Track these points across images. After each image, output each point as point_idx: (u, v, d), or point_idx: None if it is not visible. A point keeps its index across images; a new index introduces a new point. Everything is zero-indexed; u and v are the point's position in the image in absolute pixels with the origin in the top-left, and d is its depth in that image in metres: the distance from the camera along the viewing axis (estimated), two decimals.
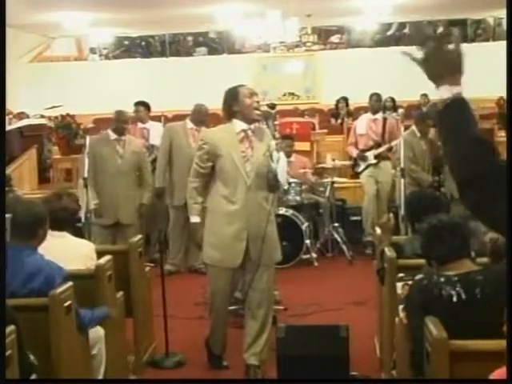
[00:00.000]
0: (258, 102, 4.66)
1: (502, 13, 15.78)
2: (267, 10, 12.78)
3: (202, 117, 7.58)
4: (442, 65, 1.83)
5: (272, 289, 4.88)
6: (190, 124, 7.55)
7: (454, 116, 1.82)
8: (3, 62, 3.89)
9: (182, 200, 6.96)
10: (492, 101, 13.02)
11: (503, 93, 11.36)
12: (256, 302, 4.67)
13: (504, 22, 16.92)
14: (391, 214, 6.77)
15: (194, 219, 4.69)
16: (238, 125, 4.62)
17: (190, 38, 18.00)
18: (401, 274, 3.92)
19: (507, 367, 1.60)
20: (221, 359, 4.92)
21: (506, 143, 1.53)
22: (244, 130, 4.62)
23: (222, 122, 4.85)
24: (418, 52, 1.88)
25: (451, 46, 1.85)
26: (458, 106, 1.82)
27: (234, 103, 4.62)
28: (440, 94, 1.84)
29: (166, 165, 7.48)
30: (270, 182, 4.57)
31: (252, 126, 4.63)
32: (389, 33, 17.80)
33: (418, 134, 7.92)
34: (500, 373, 2.26)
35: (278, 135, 4.69)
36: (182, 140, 7.41)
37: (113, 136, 6.90)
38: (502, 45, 11.25)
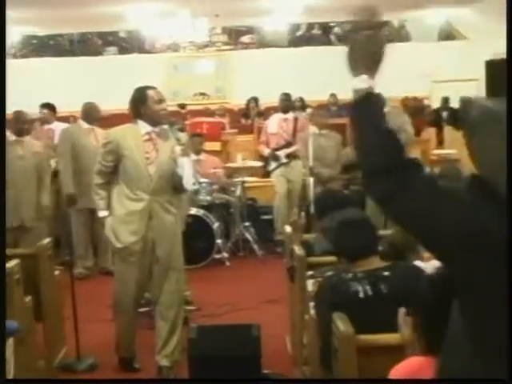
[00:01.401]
0: (165, 109, 4.65)
1: (406, 15, 16.18)
2: (177, 10, 12.71)
3: (93, 115, 7.50)
4: (368, 54, 1.87)
5: (181, 290, 4.88)
6: (84, 124, 7.47)
7: (369, 107, 1.85)
8: (3, 61, 3.84)
9: (85, 203, 6.87)
10: (397, 100, 13.33)
11: (408, 92, 11.70)
12: (166, 303, 4.67)
13: (407, 25, 17.37)
14: (302, 213, 6.88)
15: (102, 213, 4.66)
16: (143, 126, 4.60)
17: (99, 38, 17.72)
18: (310, 272, 3.97)
19: (507, 367, 1.62)
20: (132, 362, 4.88)
21: (506, 143, 1.57)
22: (148, 133, 4.60)
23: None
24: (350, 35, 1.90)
25: (381, 39, 1.89)
26: (373, 98, 1.85)
27: (141, 106, 4.60)
28: (356, 83, 1.87)
29: (70, 168, 7.32)
30: (175, 186, 4.58)
31: (157, 129, 4.61)
32: (298, 33, 17.98)
33: (317, 131, 8.03)
34: (400, 367, 2.32)
35: (183, 140, 4.66)
36: (83, 141, 7.30)
37: (12, 137, 6.71)
38: (406, 46, 11.58)
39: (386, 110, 7.80)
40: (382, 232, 3.88)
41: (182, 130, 5.33)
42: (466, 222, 1.64)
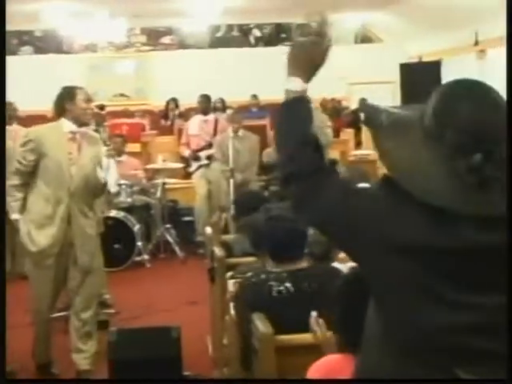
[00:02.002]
0: (92, 108, 4.64)
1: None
2: (94, 10, 12.54)
3: (9, 114, 7.33)
4: (308, 58, 1.87)
5: (98, 293, 4.82)
6: None
7: (293, 112, 1.86)
8: (3, 61, 3.71)
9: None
10: (316, 101, 13.50)
11: (326, 94, 11.86)
12: (82, 306, 4.60)
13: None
14: (224, 214, 6.89)
15: (14, 216, 4.54)
16: (68, 125, 4.51)
17: (14, 37, 17.31)
18: (230, 272, 3.98)
19: (506, 367, 1.63)
20: (49, 367, 4.79)
21: (506, 143, 1.60)
22: (73, 132, 4.51)
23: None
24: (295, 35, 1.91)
25: (324, 46, 1.90)
26: (303, 101, 1.86)
27: (68, 102, 4.51)
28: (289, 84, 1.87)
29: None
30: (96, 188, 4.52)
31: (82, 129, 4.54)
32: (218, 35, 17.99)
33: (232, 134, 8.07)
34: (318, 365, 2.35)
35: (109, 142, 4.62)
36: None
37: None
38: None
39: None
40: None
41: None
42: (378, 224, 1.66)
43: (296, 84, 1.86)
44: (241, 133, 8.22)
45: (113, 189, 4.59)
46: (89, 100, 4.60)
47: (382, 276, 1.68)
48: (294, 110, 1.86)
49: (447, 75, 12.69)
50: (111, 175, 4.51)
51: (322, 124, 8.47)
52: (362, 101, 1.86)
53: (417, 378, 1.65)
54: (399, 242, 1.63)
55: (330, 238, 1.90)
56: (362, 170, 4.92)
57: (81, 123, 4.53)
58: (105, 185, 4.53)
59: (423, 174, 1.61)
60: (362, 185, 1.84)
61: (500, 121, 1.61)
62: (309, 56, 1.88)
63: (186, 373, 4.38)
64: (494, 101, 1.63)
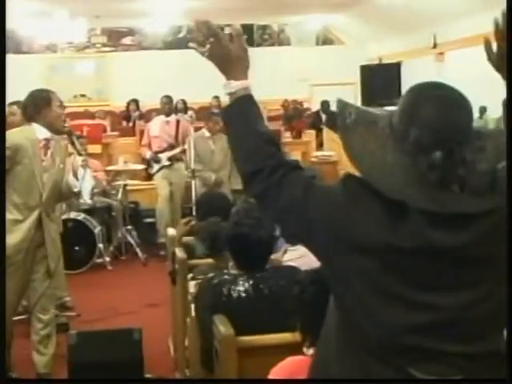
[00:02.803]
0: (64, 114, 4.51)
1: (286, 20, 16.45)
2: (53, 10, 12.42)
3: None
4: (224, 59, 1.90)
5: (57, 295, 4.77)
6: None
7: (240, 111, 1.87)
8: (3, 61, 3.63)
9: None
10: (278, 103, 13.54)
11: (288, 95, 11.92)
12: (41, 308, 4.56)
13: (287, 28, 17.63)
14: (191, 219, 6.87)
15: None
16: (40, 131, 4.39)
17: None
18: (190, 274, 3.97)
19: (506, 367, 1.64)
20: (6, 372, 4.73)
21: (506, 143, 1.61)
22: (47, 139, 4.40)
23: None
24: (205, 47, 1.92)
25: (231, 42, 1.91)
26: (245, 100, 1.87)
27: (44, 107, 4.38)
28: (227, 88, 1.89)
29: None
30: (66, 195, 4.46)
31: (56, 137, 4.45)
32: (180, 35, 17.94)
33: (207, 134, 8.07)
34: (281, 367, 2.36)
35: (84, 152, 4.55)
36: None
37: None
38: (286, 50, 11.77)
39: None
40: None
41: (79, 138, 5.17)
42: (336, 222, 1.68)
43: (233, 85, 1.89)
44: (216, 133, 8.24)
45: (87, 198, 4.52)
46: (63, 106, 4.50)
47: (341, 274, 1.70)
48: (240, 110, 1.88)
49: (407, 77, 12.83)
50: (86, 185, 4.44)
51: None
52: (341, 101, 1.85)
53: (384, 379, 1.67)
54: (358, 241, 1.65)
55: (292, 234, 1.91)
56: (314, 171, 4.90)
57: (55, 130, 4.43)
58: (75, 193, 4.47)
59: (388, 169, 1.64)
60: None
61: (463, 122, 1.64)
62: (223, 56, 1.90)
63: (147, 375, 4.36)
64: (459, 103, 1.66)
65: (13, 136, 4.36)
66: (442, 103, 1.64)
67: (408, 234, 1.61)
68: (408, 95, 1.70)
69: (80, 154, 4.48)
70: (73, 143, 4.56)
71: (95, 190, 8.01)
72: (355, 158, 1.69)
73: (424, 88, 1.71)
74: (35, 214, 4.39)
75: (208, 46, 1.91)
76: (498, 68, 1.85)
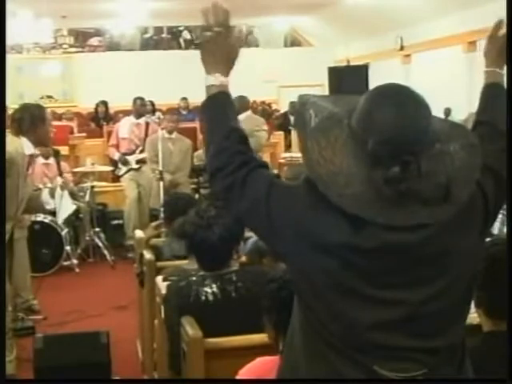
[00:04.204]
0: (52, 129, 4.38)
1: (254, 21, 16.48)
2: (18, 10, 12.30)
3: None
4: (220, 52, 1.89)
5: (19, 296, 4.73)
6: None
7: (217, 107, 1.88)
8: (3, 61, 3.57)
9: None
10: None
11: (257, 97, 11.90)
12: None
13: (255, 30, 17.68)
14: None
15: None
16: (27, 146, 4.27)
17: None
18: (160, 276, 3.95)
19: (507, 366, 1.64)
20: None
21: (506, 144, 1.59)
22: (32, 155, 4.33)
23: None
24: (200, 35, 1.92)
25: (234, 39, 1.91)
26: (223, 96, 1.88)
27: (39, 124, 4.28)
28: (208, 80, 1.89)
29: None
30: (35, 210, 4.38)
31: (38, 151, 4.35)
32: (147, 36, 17.90)
33: (166, 135, 8.03)
34: (249, 368, 2.36)
35: (65, 174, 4.46)
36: None
37: None
38: (254, 52, 11.78)
39: (245, 114, 7.77)
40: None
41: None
42: (296, 221, 1.69)
43: (214, 79, 1.89)
44: (174, 135, 8.20)
45: (62, 219, 4.41)
46: (51, 122, 4.44)
47: (302, 272, 1.71)
48: (216, 105, 1.88)
49: (374, 78, 12.93)
50: (64, 206, 4.33)
51: (257, 127, 8.55)
52: (301, 96, 1.84)
53: (350, 378, 1.67)
54: (318, 240, 1.65)
55: (255, 233, 1.91)
56: (301, 170, 4.91)
57: (42, 145, 4.35)
58: (47, 210, 4.40)
59: (342, 177, 1.63)
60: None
61: (420, 130, 1.61)
62: (219, 49, 1.89)
63: (115, 378, 4.34)
64: (416, 109, 1.63)
65: (8, 147, 4.20)
66: (398, 111, 1.61)
67: (366, 235, 1.61)
68: (365, 100, 1.66)
69: (60, 175, 4.40)
70: (58, 163, 4.49)
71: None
72: (309, 162, 1.68)
73: (380, 93, 1.67)
74: (10, 227, 4.32)
75: (210, 33, 1.89)
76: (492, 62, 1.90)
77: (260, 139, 8.51)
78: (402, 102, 1.63)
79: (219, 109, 1.88)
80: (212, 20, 1.88)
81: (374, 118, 1.62)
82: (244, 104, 8.66)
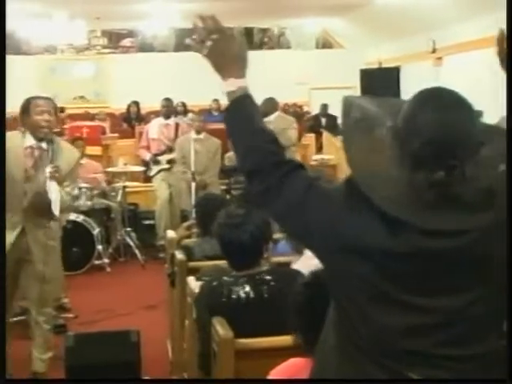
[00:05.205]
0: (48, 120, 4.38)
1: (286, 23, 16.48)
2: (53, 11, 12.42)
3: None
4: (225, 57, 1.89)
5: (52, 298, 4.76)
6: None
7: (240, 110, 1.87)
8: (3, 61, 3.61)
9: None
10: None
11: (288, 99, 11.94)
12: (37, 311, 4.59)
13: (287, 32, 17.67)
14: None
15: None
16: (27, 138, 4.38)
17: None
18: (192, 276, 3.96)
19: (507, 367, 1.64)
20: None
21: (506, 144, 1.59)
22: (31, 147, 4.38)
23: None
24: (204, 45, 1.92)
25: (234, 39, 1.92)
26: (244, 99, 1.88)
27: (24, 115, 4.39)
28: (223, 87, 1.89)
29: None
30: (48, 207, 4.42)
31: (43, 144, 4.39)
32: (180, 38, 17.96)
33: (194, 136, 8.06)
34: (281, 369, 2.36)
35: (53, 164, 4.40)
36: None
37: None
38: (286, 53, 11.81)
39: (275, 114, 7.81)
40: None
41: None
42: (333, 223, 1.68)
43: (231, 84, 1.88)
44: (202, 135, 8.24)
45: (56, 211, 4.39)
46: (43, 111, 4.37)
47: (338, 275, 1.70)
48: (239, 109, 1.88)
49: (406, 81, 12.86)
50: (54, 198, 4.32)
51: (288, 126, 8.61)
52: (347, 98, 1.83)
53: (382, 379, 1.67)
54: (354, 244, 1.65)
55: (289, 233, 1.91)
56: (323, 174, 4.89)
57: (38, 137, 4.39)
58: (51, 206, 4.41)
59: (383, 179, 1.62)
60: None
61: (465, 134, 1.59)
62: (224, 53, 1.90)
63: (145, 377, 4.36)
64: (462, 113, 1.61)
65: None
66: (443, 114, 1.59)
67: (403, 240, 1.60)
68: (410, 103, 1.65)
69: (52, 167, 4.35)
70: (47, 150, 4.43)
71: (94, 192, 8.02)
72: (352, 163, 1.68)
73: (426, 96, 1.65)
74: (19, 223, 4.40)
75: (209, 42, 1.90)
76: None
77: (290, 137, 8.57)
78: (448, 105, 1.62)
79: (243, 112, 1.88)
80: (205, 30, 1.89)
81: (419, 121, 1.60)
82: (273, 105, 8.74)
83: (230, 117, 1.91)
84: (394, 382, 1.66)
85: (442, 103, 1.62)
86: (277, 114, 8.91)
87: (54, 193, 4.29)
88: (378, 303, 1.64)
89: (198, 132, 8.19)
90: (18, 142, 4.41)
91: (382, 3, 12.27)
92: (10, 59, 15.82)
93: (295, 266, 3.40)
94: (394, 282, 1.63)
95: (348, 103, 1.77)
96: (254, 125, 1.86)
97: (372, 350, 1.67)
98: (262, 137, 1.84)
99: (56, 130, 10.64)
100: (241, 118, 1.88)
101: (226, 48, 1.89)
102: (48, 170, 4.30)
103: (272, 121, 8.41)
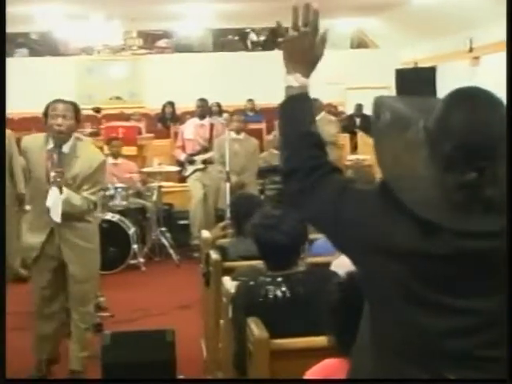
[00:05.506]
0: (60, 124, 4.39)
1: (320, 22, 16.42)
2: (89, 13, 12.54)
3: None
4: (302, 51, 1.88)
5: (90, 299, 4.81)
6: None
7: (294, 108, 1.88)
8: (3, 61, 3.70)
9: None
10: None
11: (322, 99, 11.95)
12: (75, 311, 4.69)
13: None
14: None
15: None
16: (50, 142, 4.46)
17: (8, 39, 17.27)
18: (226, 276, 3.97)
19: (507, 367, 1.63)
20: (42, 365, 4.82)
21: (506, 144, 1.59)
22: (50, 150, 4.43)
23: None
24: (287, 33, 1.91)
25: (318, 39, 1.91)
26: (303, 98, 1.88)
27: (45, 118, 4.47)
28: (288, 80, 1.88)
29: None
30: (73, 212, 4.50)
31: (65, 148, 4.41)
32: (214, 38, 18.01)
33: (234, 136, 8.09)
34: (315, 369, 2.36)
35: (59, 169, 4.38)
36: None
37: None
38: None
39: (321, 114, 7.87)
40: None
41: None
42: (371, 225, 1.68)
43: (295, 79, 1.88)
44: (242, 135, 8.28)
45: (55, 217, 4.44)
46: (57, 115, 4.38)
47: (373, 278, 1.70)
48: (294, 106, 1.88)
49: (442, 81, 12.74)
50: (52, 203, 4.36)
51: (331, 126, 8.76)
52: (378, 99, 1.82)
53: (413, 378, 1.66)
54: (389, 245, 1.64)
55: (325, 235, 1.91)
56: (367, 174, 4.86)
57: (54, 141, 4.42)
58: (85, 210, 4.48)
59: (414, 181, 1.61)
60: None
61: (498, 136, 1.57)
62: (302, 49, 1.89)
63: (180, 376, 4.38)
64: (495, 115, 1.60)
65: (24, 140, 4.66)
66: (475, 115, 1.58)
67: (439, 241, 1.59)
68: (443, 103, 1.64)
69: (57, 171, 4.38)
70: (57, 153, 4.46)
71: (130, 192, 8.09)
72: (383, 165, 1.67)
73: (458, 97, 1.64)
74: (47, 224, 4.49)
75: (295, 32, 1.89)
76: None
77: (331, 132, 8.68)
78: (480, 105, 1.60)
79: (297, 110, 1.88)
80: (301, 19, 1.88)
81: (451, 122, 1.60)
82: (318, 106, 8.83)
83: (284, 112, 1.91)
84: (394, 381, 1.64)
85: (475, 104, 1.61)
86: (322, 114, 9.01)
87: (53, 198, 4.33)
88: (414, 305, 1.63)
89: (238, 132, 8.23)
90: (41, 143, 4.48)
91: (419, 3, 12.17)
92: (48, 60, 16.07)
93: (334, 265, 3.39)
94: (428, 283, 1.62)
95: (379, 103, 1.76)
96: (304, 126, 1.86)
97: (409, 352, 1.66)
98: (309, 140, 1.84)
99: (92, 130, 10.76)
100: (293, 116, 1.88)
101: (307, 44, 1.89)
102: (52, 174, 4.34)
103: (317, 120, 8.45)
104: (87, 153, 4.55)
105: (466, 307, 1.62)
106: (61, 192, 4.32)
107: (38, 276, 4.68)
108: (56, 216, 4.37)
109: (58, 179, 4.33)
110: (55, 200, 4.33)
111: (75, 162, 4.45)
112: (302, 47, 1.88)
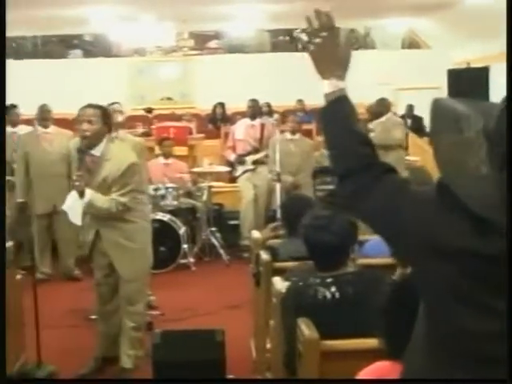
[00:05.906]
0: (85, 130, 4.46)
1: (371, 23, 16.32)
2: (142, 15, 12.67)
3: (44, 116, 7.41)
4: (331, 56, 1.90)
5: (138, 298, 4.86)
6: (39, 129, 7.39)
7: (338, 111, 1.88)
8: (3, 62, 3.79)
9: (45, 209, 6.89)
10: (363, 107, 13.44)
11: (373, 99, 11.90)
12: (125, 311, 4.76)
13: (372, 32, 17.48)
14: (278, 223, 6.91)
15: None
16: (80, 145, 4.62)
17: (63, 41, 17.56)
18: (278, 277, 3.97)
19: (507, 367, 1.62)
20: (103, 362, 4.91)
21: (506, 144, 1.58)
22: (78, 154, 4.54)
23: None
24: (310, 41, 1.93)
25: (342, 42, 1.92)
26: (342, 101, 1.88)
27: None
28: (325, 87, 1.90)
29: (22, 177, 7.19)
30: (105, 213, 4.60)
31: (95, 152, 4.50)
32: (265, 39, 18.03)
33: (289, 136, 8.09)
34: (367, 371, 2.35)
35: (79, 173, 4.44)
36: (37, 148, 7.22)
37: None
38: (371, 54, 11.69)
39: (388, 114, 7.82)
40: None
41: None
42: (422, 226, 1.67)
43: (331, 84, 1.89)
44: (297, 136, 8.30)
45: (74, 220, 4.51)
46: (82, 121, 4.46)
47: (428, 279, 1.69)
48: (336, 111, 1.88)
49: (495, 81, 12.56)
50: (67, 206, 4.45)
51: (396, 126, 8.73)
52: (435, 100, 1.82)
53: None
54: (444, 246, 1.63)
55: (381, 236, 1.91)
56: (424, 173, 4.80)
57: (81, 145, 4.52)
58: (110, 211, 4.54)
59: (471, 179, 1.60)
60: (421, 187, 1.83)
61: None
62: (329, 53, 1.89)
63: (230, 376, 4.40)
64: None
65: (70, 143, 4.97)
66: None
67: (490, 241, 1.58)
68: (504, 105, 1.62)
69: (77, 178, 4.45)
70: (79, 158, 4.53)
71: (180, 192, 8.15)
72: (441, 163, 1.66)
73: None
74: (92, 225, 4.66)
75: (318, 39, 1.90)
76: None
77: (396, 136, 8.62)
78: None
79: (340, 113, 1.88)
80: (317, 25, 1.89)
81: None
82: (386, 105, 8.80)
83: (327, 117, 1.92)
84: (386, 381, 1.62)
85: None
86: (389, 115, 8.97)
87: (70, 202, 4.41)
88: (464, 306, 1.62)
89: (293, 132, 8.25)
90: (76, 145, 4.61)
91: (471, 3, 12.02)
92: (101, 61, 16.29)
93: None
94: (480, 284, 1.60)
95: (437, 104, 1.75)
96: (349, 127, 1.87)
97: (463, 355, 1.64)
98: (356, 139, 1.85)
99: (143, 130, 10.86)
100: (337, 120, 1.89)
101: (332, 47, 1.90)
102: (74, 177, 4.42)
103: (383, 121, 8.49)
104: (118, 155, 4.59)
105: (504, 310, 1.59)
106: (81, 196, 4.39)
107: (95, 272, 4.86)
108: (75, 219, 4.47)
109: (77, 183, 4.40)
110: (72, 204, 4.41)
111: (105, 164, 4.52)
112: (326, 52, 1.90)
